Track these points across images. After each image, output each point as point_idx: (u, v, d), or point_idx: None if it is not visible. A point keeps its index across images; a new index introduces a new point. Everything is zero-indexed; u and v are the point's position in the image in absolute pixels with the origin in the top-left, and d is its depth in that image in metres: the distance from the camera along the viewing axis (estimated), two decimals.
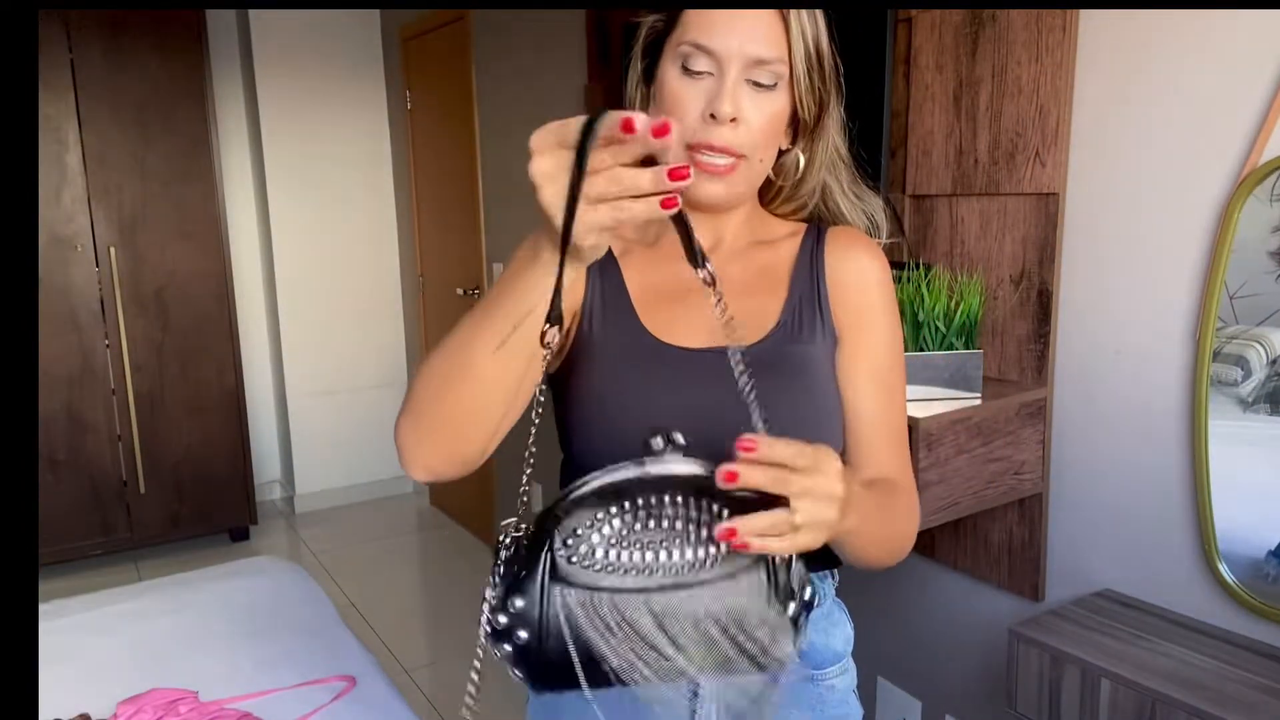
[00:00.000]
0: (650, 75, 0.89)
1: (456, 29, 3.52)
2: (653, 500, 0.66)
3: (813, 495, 0.65)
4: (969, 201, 1.73)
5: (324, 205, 4.19)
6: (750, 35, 0.81)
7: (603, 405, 0.86)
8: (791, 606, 0.69)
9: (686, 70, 0.82)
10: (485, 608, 0.68)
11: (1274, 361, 1.39)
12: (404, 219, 4.30)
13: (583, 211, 0.60)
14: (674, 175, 0.59)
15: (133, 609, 1.99)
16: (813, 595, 0.72)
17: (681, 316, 0.90)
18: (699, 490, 0.66)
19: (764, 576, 0.68)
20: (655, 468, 0.65)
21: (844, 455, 0.92)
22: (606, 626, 0.66)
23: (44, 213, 3.37)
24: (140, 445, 3.65)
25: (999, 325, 1.71)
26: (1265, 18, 1.32)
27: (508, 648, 0.68)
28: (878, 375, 0.91)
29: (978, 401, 1.56)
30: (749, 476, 0.62)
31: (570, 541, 0.66)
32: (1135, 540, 1.58)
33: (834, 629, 0.97)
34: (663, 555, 0.66)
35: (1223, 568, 1.45)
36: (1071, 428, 1.65)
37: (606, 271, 0.92)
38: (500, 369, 0.73)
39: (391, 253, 4.42)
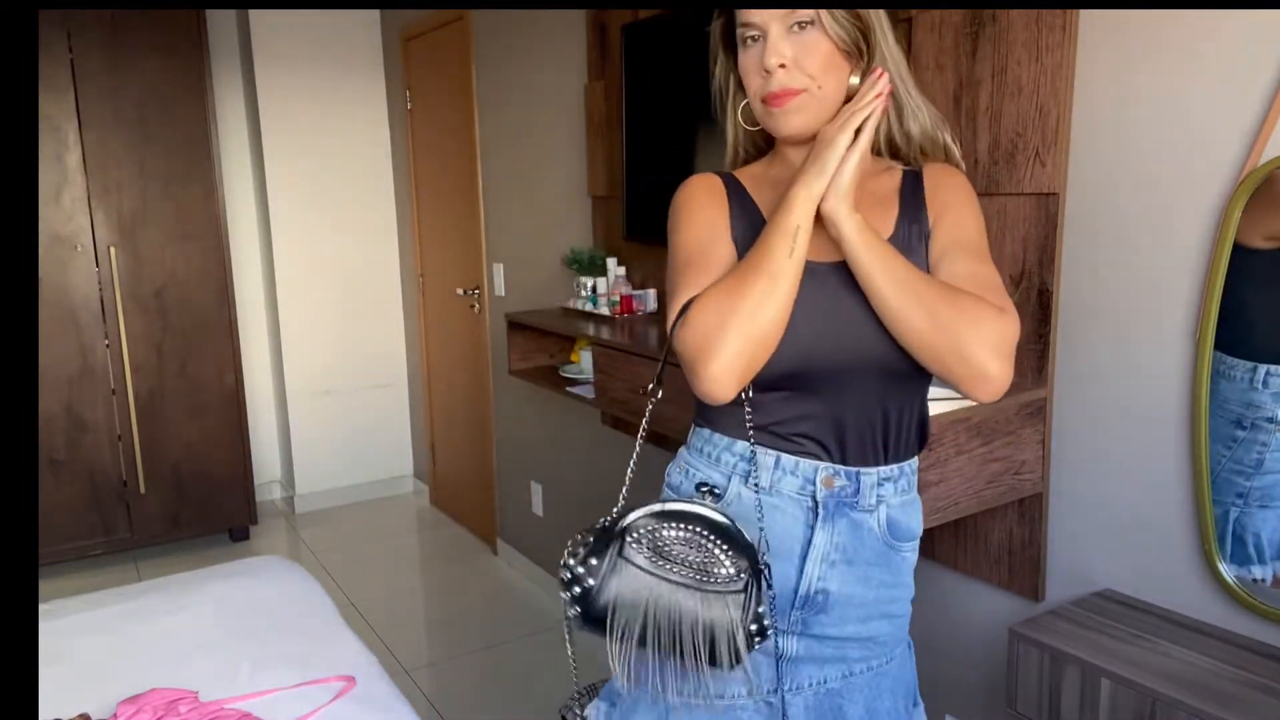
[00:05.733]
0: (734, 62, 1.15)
1: (456, 29, 3.52)
2: (690, 526, 1.02)
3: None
4: None
5: (324, 205, 4.19)
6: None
7: None
8: (752, 628, 1.00)
9: (745, 45, 1.09)
10: (571, 557, 1.03)
11: None
12: (404, 219, 4.30)
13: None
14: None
15: (133, 609, 1.99)
16: (767, 629, 1.01)
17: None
18: (714, 528, 1.02)
19: (742, 603, 1.00)
20: (700, 508, 1.02)
21: None
22: (635, 591, 1.02)
23: (44, 213, 3.37)
24: (140, 445, 3.66)
25: None
26: (1265, 18, 1.32)
27: (576, 589, 1.02)
28: (963, 244, 1.09)
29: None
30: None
31: (635, 535, 1.03)
32: (1135, 540, 1.58)
33: (914, 513, 1.17)
34: (685, 562, 1.03)
35: (1223, 568, 1.45)
36: (1071, 428, 1.65)
37: (743, 200, 1.15)
38: (793, 274, 1.01)
39: (391, 253, 4.42)
